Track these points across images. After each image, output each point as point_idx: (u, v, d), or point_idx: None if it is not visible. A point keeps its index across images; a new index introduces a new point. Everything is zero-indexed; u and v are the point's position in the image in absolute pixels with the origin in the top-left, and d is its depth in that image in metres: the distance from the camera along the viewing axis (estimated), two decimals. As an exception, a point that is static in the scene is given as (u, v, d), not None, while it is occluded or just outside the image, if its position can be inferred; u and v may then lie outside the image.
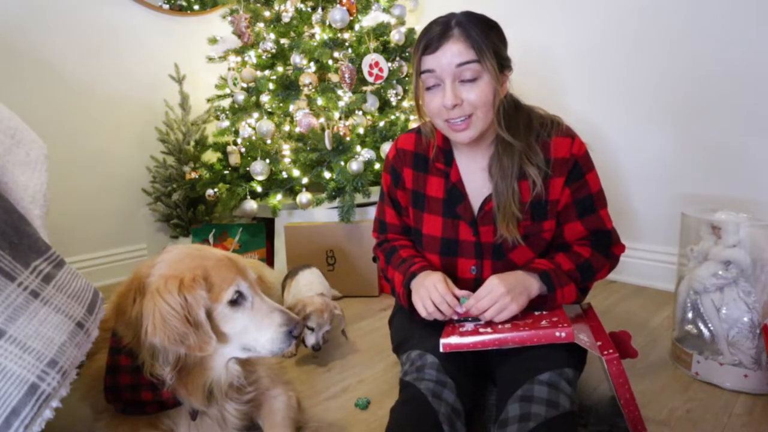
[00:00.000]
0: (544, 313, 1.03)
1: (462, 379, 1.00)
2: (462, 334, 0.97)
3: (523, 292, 1.01)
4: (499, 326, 0.99)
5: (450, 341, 0.97)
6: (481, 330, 0.98)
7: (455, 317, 1.03)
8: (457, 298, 1.02)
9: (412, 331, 1.13)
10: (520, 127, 1.06)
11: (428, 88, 1.03)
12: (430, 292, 1.02)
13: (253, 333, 0.93)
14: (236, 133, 2.18)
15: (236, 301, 0.92)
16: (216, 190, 2.19)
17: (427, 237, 1.15)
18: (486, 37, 0.98)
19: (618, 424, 1.06)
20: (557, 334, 0.93)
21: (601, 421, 1.08)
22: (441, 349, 0.97)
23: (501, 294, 0.98)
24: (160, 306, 0.83)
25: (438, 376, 0.97)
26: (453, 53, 0.97)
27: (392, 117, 2.11)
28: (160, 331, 0.82)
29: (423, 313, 1.04)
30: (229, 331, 0.92)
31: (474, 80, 0.98)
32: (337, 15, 1.99)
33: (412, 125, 2.09)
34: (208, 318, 0.88)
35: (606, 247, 1.11)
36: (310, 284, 1.56)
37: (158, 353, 0.86)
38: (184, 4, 2.58)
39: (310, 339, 1.36)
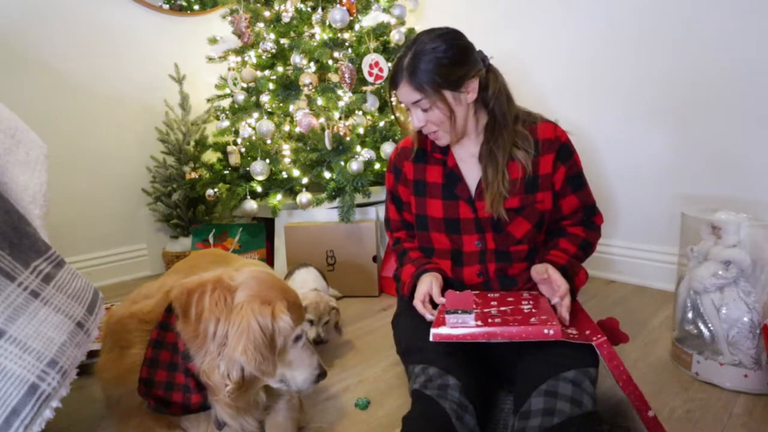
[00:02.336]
0: (534, 311, 1.04)
1: (481, 404, 1.01)
2: (453, 326, 0.99)
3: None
4: (489, 320, 1.00)
5: (440, 331, 0.99)
6: (471, 322, 0.99)
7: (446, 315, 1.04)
8: (434, 305, 1.12)
9: (423, 340, 1.08)
10: (509, 116, 1.17)
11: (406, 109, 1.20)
12: (418, 292, 1.14)
13: (294, 370, 0.97)
14: (236, 133, 2.18)
15: (299, 338, 0.97)
16: (216, 190, 2.19)
17: (431, 219, 1.25)
18: (430, 76, 1.08)
19: (618, 423, 1.06)
20: (545, 331, 0.94)
21: (601, 421, 1.07)
22: (431, 338, 0.99)
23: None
24: (254, 328, 0.87)
25: (461, 399, 0.97)
26: (405, 93, 1.13)
27: (392, 117, 2.11)
28: (250, 351, 0.86)
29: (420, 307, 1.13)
30: (280, 364, 0.95)
31: (428, 110, 1.13)
32: (337, 15, 1.99)
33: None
34: None
35: (591, 219, 1.25)
36: (304, 282, 1.58)
37: (232, 367, 0.88)
38: (184, 4, 2.58)
39: (311, 332, 1.41)
